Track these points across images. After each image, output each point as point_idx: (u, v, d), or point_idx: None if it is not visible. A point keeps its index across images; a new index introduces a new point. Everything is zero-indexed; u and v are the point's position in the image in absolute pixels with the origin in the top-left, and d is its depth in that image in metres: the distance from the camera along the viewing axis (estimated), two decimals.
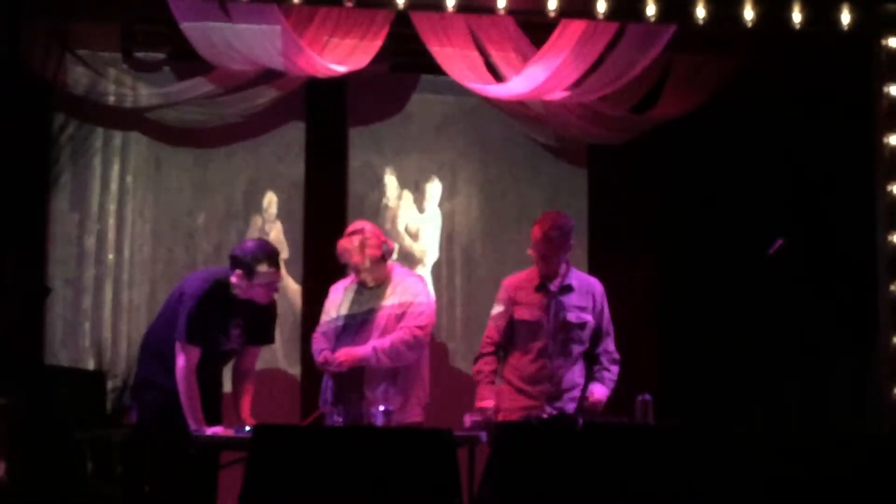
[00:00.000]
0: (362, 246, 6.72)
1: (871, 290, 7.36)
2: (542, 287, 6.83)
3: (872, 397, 7.42)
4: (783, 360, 7.90)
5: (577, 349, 6.84)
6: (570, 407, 6.79)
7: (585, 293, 6.88)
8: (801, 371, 7.93)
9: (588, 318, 6.84)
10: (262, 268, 6.34)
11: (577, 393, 6.84)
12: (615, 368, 6.90)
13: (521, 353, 6.84)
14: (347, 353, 6.64)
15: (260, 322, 6.58)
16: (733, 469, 5.88)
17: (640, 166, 8.30)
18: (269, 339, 6.73)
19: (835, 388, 7.93)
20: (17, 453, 6.06)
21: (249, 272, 6.34)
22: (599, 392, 6.78)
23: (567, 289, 6.84)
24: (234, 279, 6.39)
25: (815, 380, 7.93)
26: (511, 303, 6.86)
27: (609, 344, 6.91)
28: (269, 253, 6.39)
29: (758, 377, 7.85)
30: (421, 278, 6.94)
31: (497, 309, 6.92)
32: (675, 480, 5.81)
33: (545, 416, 6.49)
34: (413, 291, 6.76)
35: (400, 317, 6.71)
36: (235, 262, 6.41)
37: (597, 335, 6.88)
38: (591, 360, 6.91)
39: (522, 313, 6.83)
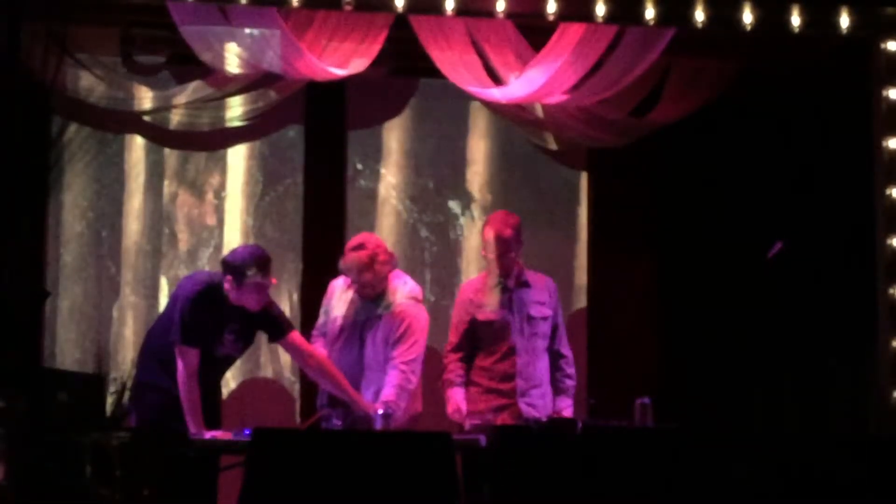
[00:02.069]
0: (372, 262, 6.69)
1: (871, 294, 7.36)
2: (499, 286, 6.90)
3: (872, 400, 7.42)
4: (783, 364, 7.90)
5: (541, 343, 6.96)
6: (540, 403, 6.89)
7: (542, 288, 7.04)
8: (800, 374, 7.92)
9: (548, 311, 7.01)
10: (252, 273, 6.35)
11: (546, 389, 6.93)
12: (573, 371, 7.08)
13: (488, 354, 6.92)
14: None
15: (263, 324, 6.58)
16: (733, 472, 5.88)
17: (639, 169, 8.30)
18: (288, 328, 6.69)
19: (834, 391, 7.93)
20: (16, 456, 6.05)
21: (239, 278, 6.36)
22: (567, 406, 6.97)
23: (524, 284, 6.97)
24: (226, 285, 6.41)
25: (815, 383, 7.93)
26: (471, 306, 6.92)
27: (564, 343, 7.08)
28: (259, 259, 6.39)
29: (757, 380, 7.85)
30: (416, 296, 6.89)
31: (457, 314, 6.99)
32: (674, 483, 5.82)
33: (524, 413, 6.74)
34: (406, 315, 6.72)
35: (390, 342, 6.69)
36: (226, 267, 6.44)
37: (553, 330, 7.02)
38: (551, 358, 7.02)
39: (486, 314, 6.91)
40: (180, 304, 6.41)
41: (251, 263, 6.37)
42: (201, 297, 6.39)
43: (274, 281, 6.54)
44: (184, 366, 6.33)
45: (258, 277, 6.36)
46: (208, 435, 6.21)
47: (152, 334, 6.66)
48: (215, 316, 6.42)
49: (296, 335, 6.71)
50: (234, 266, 6.40)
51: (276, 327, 6.64)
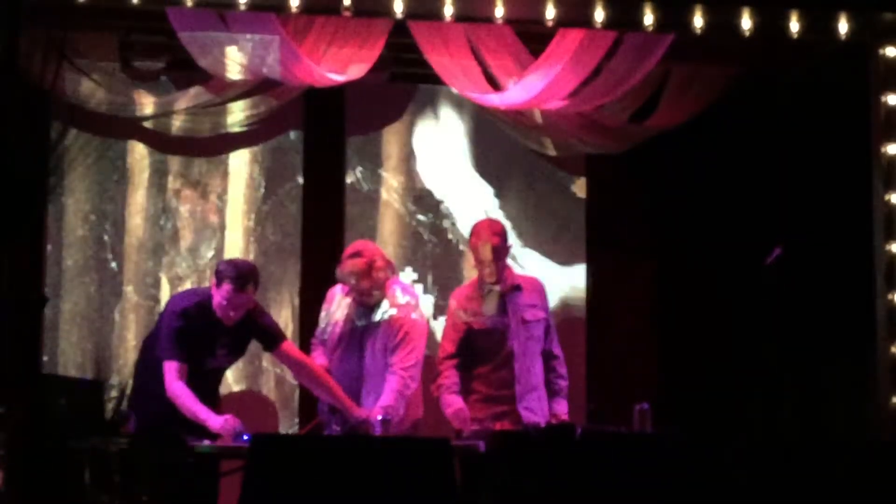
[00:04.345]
0: (370, 269, 6.68)
1: (869, 299, 7.36)
2: (492, 293, 6.88)
3: (871, 406, 7.42)
4: (781, 369, 7.89)
5: (537, 347, 6.93)
6: (537, 406, 6.86)
7: (532, 291, 7.01)
8: (799, 380, 7.92)
9: (542, 314, 6.97)
10: (226, 283, 6.36)
11: (541, 392, 6.91)
12: (565, 371, 7.03)
13: (485, 362, 6.89)
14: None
15: (256, 335, 6.58)
16: (732, 478, 5.88)
17: (638, 174, 8.30)
18: (280, 339, 6.69)
19: (833, 396, 7.92)
20: (16, 463, 6.06)
21: (218, 283, 6.39)
22: (564, 409, 6.93)
23: (516, 288, 6.93)
24: (212, 288, 6.44)
25: (814, 388, 7.93)
26: (465, 315, 6.90)
27: (556, 343, 7.04)
28: (241, 273, 6.39)
29: (756, 386, 7.85)
30: (414, 302, 6.87)
31: (450, 323, 6.96)
32: (673, 489, 5.81)
33: (523, 418, 6.70)
34: (404, 322, 6.70)
35: (389, 349, 6.67)
36: (216, 269, 6.48)
37: (546, 331, 7.00)
38: (544, 359, 7.00)
39: (482, 322, 6.88)
40: (166, 320, 6.45)
41: (231, 273, 6.38)
42: (188, 316, 6.40)
43: (248, 299, 6.51)
44: (171, 377, 6.33)
45: (230, 288, 6.36)
46: (221, 419, 6.22)
47: (149, 342, 6.67)
48: (205, 332, 6.43)
49: (289, 345, 6.72)
50: (218, 269, 6.46)
51: (269, 338, 6.64)
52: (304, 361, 6.69)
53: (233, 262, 6.52)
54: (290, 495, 5.61)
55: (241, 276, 6.39)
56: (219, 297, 6.39)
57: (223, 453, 6.26)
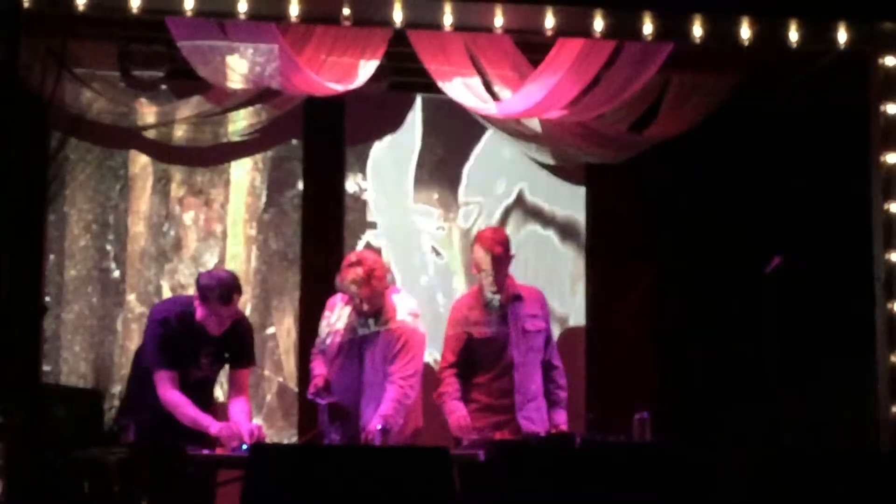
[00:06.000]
0: (369, 278, 6.67)
1: (869, 308, 7.36)
2: (493, 302, 6.88)
3: (871, 415, 7.41)
4: (781, 378, 7.89)
5: (537, 357, 6.94)
6: (536, 416, 6.86)
7: (534, 301, 7.01)
8: (799, 389, 7.92)
9: (542, 324, 6.98)
10: (213, 298, 6.36)
11: (541, 402, 6.91)
12: (564, 382, 7.04)
13: (485, 371, 6.88)
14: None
15: (233, 348, 6.58)
16: (731, 487, 5.88)
17: (638, 183, 8.31)
18: (249, 362, 6.71)
19: (833, 405, 7.92)
20: (15, 472, 6.05)
21: (203, 299, 6.38)
22: (563, 419, 6.94)
23: (517, 298, 6.92)
24: (195, 301, 6.43)
25: (814, 397, 7.92)
26: (466, 324, 6.90)
27: (555, 354, 7.06)
28: (225, 286, 6.39)
29: (756, 395, 7.84)
30: (413, 312, 6.84)
31: (452, 332, 6.95)
32: (673, 498, 5.81)
33: (523, 428, 6.71)
34: (404, 331, 6.70)
35: (388, 358, 6.67)
36: (197, 285, 6.46)
37: (546, 342, 7.00)
38: (543, 370, 6.99)
39: (483, 332, 6.88)
40: (149, 330, 6.46)
41: (215, 287, 6.38)
42: (166, 324, 6.41)
43: (235, 309, 6.50)
44: (162, 387, 6.33)
45: (216, 303, 6.37)
46: (221, 425, 6.23)
47: (139, 356, 6.68)
48: (187, 341, 6.43)
49: (248, 372, 6.73)
50: (200, 286, 6.44)
51: (242, 358, 6.64)
52: (244, 393, 6.68)
53: (214, 277, 6.48)
54: None
55: (226, 290, 6.39)
56: (205, 312, 6.38)
57: (221, 463, 6.26)
